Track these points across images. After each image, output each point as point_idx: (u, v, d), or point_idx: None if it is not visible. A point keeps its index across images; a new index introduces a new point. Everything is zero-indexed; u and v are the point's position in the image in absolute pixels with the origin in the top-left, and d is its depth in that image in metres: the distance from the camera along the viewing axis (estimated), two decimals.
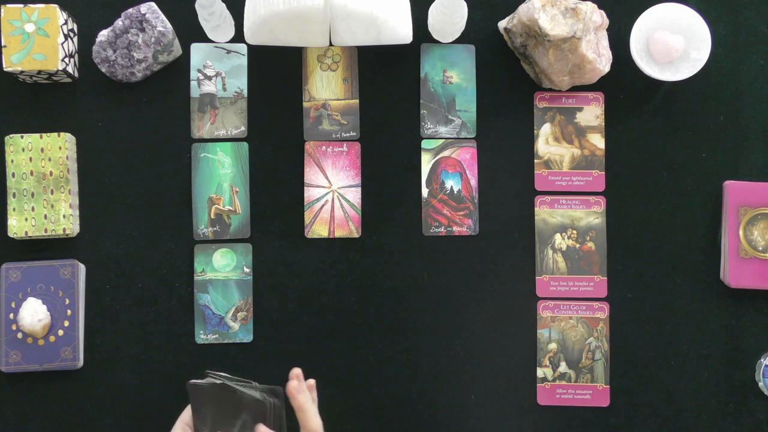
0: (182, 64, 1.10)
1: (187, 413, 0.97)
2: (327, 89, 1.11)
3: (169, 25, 1.07)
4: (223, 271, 1.09)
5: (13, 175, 1.06)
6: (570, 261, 1.10)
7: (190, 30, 1.09)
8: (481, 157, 1.11)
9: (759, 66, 1.12)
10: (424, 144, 1.11)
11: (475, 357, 1.09)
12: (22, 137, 1.06)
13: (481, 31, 1.12)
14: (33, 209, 1.06)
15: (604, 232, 1.10)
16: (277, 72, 1.11)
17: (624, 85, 1.11)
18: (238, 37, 1.10)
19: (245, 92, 1.10)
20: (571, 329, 1.09)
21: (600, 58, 1.07)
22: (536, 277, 1.10)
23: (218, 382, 0.94)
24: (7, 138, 1.06)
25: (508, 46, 1.11)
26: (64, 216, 1.06)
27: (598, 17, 1.06)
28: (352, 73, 1.11)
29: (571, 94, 1.11)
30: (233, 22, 1.08)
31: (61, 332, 1.05)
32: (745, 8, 1.12)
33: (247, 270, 1.09)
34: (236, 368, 1.03)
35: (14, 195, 1.06)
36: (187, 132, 1.10)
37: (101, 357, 1.08)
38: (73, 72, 1.08)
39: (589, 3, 1.05)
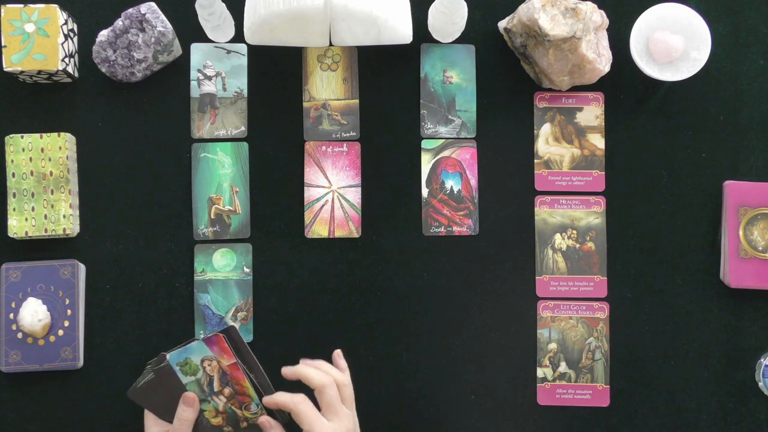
0: (182, 64, 1.10)
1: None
2: (327, 89, 1.11)
3: (169, 25, 1.06)
4: (223, 271, 1.09)
5: (13, 175, 1.06)
6: (570, 261, 1.10)
7: (190, 30, 1.09)
8: (481, 157, 1.11)
9: (759, 66, 1.12)
10: (424, 144, 1.11)
11: (475, 357, 1.09)
12: (22, 137, 1.06)
13: (481, 31, 1.12)
14: (33, 209, 1.06)
15: (604, 232, 1.10)
16: (277, 72, 1.11)
17: (624, 85, 1.11)
18: (238, 37, 1.09)
19: (245, 92, 1.10)
20: (571, 329, 1.09)
21: (600, 58, 1.07)
22: (536, 277, 1.10)
23: (150, 375, 0.95)
24: (7, 138, 1.06)
25: (508, 46, 1.11)
26: (64, 216, 1.06)
27: (598, 17, 1.06)
28: (352, 73, 1.11)
29: (571, 94, 1.11)
30: (233, 22, 1.08)
31: (61, 332, 1.05)
32: (745, 8, 1.12)
33: (247, 270, 1.09)
34: None
35: (14, 195, 1.06)
36: (187, 132, 1.10)
37: (101, 357, 1.08)
38: (73, 72, 1.08)
39: (589, 3, 1.05)
